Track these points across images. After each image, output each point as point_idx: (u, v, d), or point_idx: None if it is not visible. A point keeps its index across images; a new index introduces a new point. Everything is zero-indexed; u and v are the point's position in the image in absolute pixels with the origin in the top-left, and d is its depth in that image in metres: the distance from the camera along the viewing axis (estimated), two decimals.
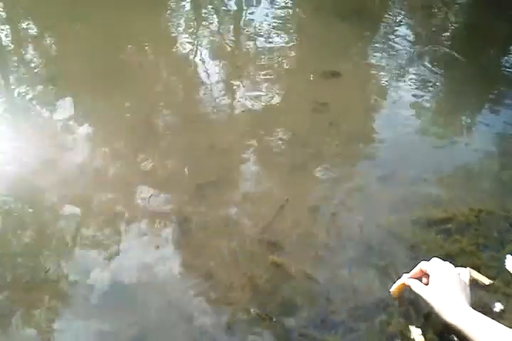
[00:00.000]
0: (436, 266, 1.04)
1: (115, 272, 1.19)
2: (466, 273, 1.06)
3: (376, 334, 1.06)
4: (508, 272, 1.23)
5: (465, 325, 0.91)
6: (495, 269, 1.22)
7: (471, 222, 1.34)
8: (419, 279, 1.06)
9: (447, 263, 1.05)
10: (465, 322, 0.91)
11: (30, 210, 1.36)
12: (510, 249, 1.27)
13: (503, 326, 0.90)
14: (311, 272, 1.19)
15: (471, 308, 0.95)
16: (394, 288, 1.10)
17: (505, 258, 1.25)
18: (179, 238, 1.28)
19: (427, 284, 1.03)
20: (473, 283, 1.17)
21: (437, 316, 0.97)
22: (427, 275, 1.04)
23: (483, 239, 1.29)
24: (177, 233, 1.29)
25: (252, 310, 1.09)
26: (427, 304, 1.00)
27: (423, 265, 1.06)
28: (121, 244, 1.26)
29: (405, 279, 1.08)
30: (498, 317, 1.10)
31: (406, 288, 1.07)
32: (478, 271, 1.20)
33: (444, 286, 0.99)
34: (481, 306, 1.11)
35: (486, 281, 1.18)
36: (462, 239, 1.29)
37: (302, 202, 1.41)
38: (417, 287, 1.03)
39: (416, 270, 1.07)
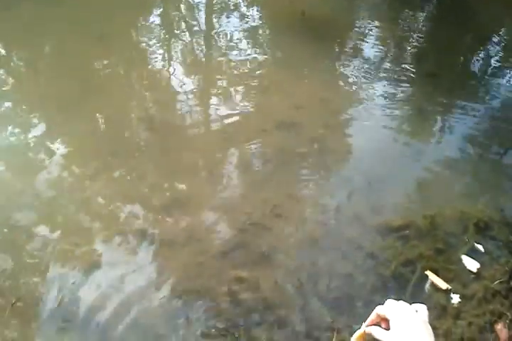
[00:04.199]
0: (393, 309, 1.02)
1: (81, 289, 1.20)
2: (424, 310, 1.05)
3: None
4: (469, 271, 1.26)
5: None
6: (452, 272, 1.26)
7: (428, 227, 1.37)
8: (378, 325, 1.05)
9: (402, 302, 1.04)
10: None
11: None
12: (464, 250, 1.31)
13: None
14: (274, 287, 1.21)
15: None
16: (355, 338, 1.08)
17: (461, 259, 1.29)
18: (145, 253, 1.29)
19: (387, 329, 1.01)
20: (433, 287, 1.21)
21: None
22: (385, 320, 1.03)
23: (440, 243, 1.33)
24: (144, 248, 1.31)
25: (213, 330, 1.11)
26: None
27: (379, 310, 1.04)
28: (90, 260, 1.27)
29: (364, 327, 1.07)
30: (455, 317, 1.14)
31: (367, 337, 1.07)
32: (437, 275, 1.24)
33: (407, 329, 0.97)
34: (440, 307, 1.16)
35: (444, 286, 1.21)
36: (420, 244, 1.32)
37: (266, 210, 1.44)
38: (379, 334, 1.00)
39: (373, 316, 1.05)
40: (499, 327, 1.13)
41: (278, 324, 1.12)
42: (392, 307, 1.01)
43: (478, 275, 1.25)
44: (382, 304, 1.04)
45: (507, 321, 1.14)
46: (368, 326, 1.02)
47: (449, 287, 1.21)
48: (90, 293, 1.19)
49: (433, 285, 1.22)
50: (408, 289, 1.21)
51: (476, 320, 1.14)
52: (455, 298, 1.18)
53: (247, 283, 1.22)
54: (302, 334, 1.11)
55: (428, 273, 1.24)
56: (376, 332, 1.00)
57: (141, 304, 1.17)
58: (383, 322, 1.01)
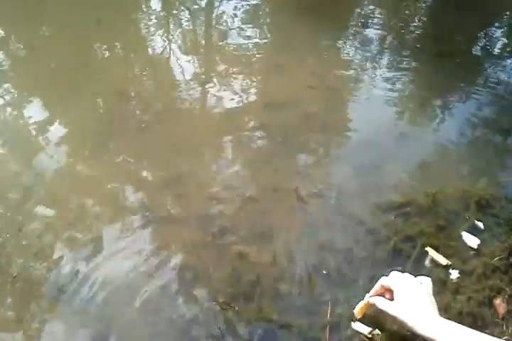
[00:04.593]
0: (397, 280, 1.02)
1: (83, 266, 1.21)
2: (429, 282, 1.04)
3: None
4: (469, 247, 1.27)
5: (441, 335, 0.89)
6: (453, 248, 1.27)
7: (429, 204, 1.38)
8: (382, 296, 1.03)
9: (407, 274, 1.03)
10: (441, 333, 0.89)
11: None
12: (465, 227, 1.32)
13: (477, 332, 0.88)
14: (273, 261, 1.22)
15: (442, 318, 0.93)
16: (358, 309, 1.07)
17: (462, 236, 1.29)
18: (146, 231, 1.30)
19: (391, 300, 1.00)
20: (433, 263, 1.22)
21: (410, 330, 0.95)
22: (390, 291, 1.02)
23: (440, 220, 1.33)
24: (144, 227, 1.31)
25: (214, 303, 1.12)
26: (395, 320, 0.98)
27: (383, 281, 1.04)
28: (90, 239, 1.28)
29: (368, 298, 1.05)
30: (454, 292, 1.15)
31: (370, 307, 1.05)
32: (437, 251, 1.24)
33: (411, 299, 0.97)
34: (440, 283, 1.17)
35: (444, 261, 1.22)
36: (421, 221, 1.33)
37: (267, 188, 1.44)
38: (383, 304, 1.00)
39: (377, 287, 1.05)
40: (498, 302, 1.14)
41: (278, 298, 1.13)
42: (396, 279, 1.03)
43: (478, 251, 1.25)
44: (386, 276, 1.05)
45: (506, 296, 1.15)
46: (371, 297, 1.04)
47: (449, 262, 1.21)
48: (89, 270, 1.19)
49: (433, 261, 1.23)
50: (408, 264, 1.21)
51: (475, 295, 1.14)
52: (454, 274, 1.19)
53: (248, 258, 1.22)
54: (301, 307, 1.11)
55: (428, 249, 1.25)
56: (380, 302, 1.02)
57: (141, 280, 1.17)
58: (387, 293, 1.04)
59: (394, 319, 0.98)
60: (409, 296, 0.98)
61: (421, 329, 0.92)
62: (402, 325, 0.97)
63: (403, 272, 1.04)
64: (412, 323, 0.93)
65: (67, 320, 1.09)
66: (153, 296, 1.14)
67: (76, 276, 1.18)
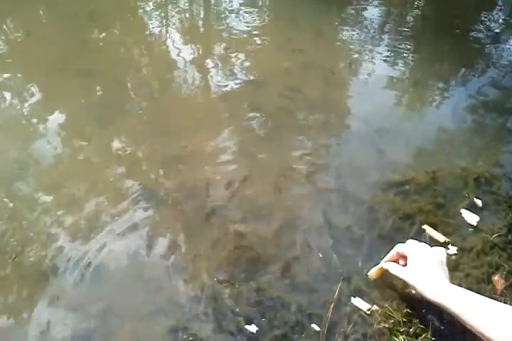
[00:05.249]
0: (412, 247, 1.04)
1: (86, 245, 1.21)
2: (442, 252, 1.06)
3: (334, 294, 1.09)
4: (468, 225, 1.27)
5: (450, 301, 0.90)
6: (452, 225, 1.27)
7: (428, 183, 1.38)
8: (396, 262, 1.06)
9: (423, 243, 1.05)
10: (450, 299, 0.91)
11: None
12: (465, 204, 1.32)
13: (486, 298, 0.89)
14: (274, 240, 1.22)
15: (452, 285, 0.94)
16: (372, 272, 1.10)
17: (461, 213, 1.29)
18: (143, 212, 1.30)
19: (404, 266, 1.03)
20: (431, 241, 1.22)
21: (420, 295, 0.97)
22: (404, 258, 1.04)
23: (440, 198, 1.33)
24: (141, 207, 1.31)
25: (214, 279, 1.12)
26: (407, 285, 1.01)
27: (399, 247, 1.06)
28: (87, 221, 1.28)
29: (382, 263, 1.08)
30: (453, 269, 1.15)
31: (384, 272, 1.08)
32: (436, 229, 1.25)
33: (423, 266, 0.99)
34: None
35: (441, 239, 1.22)
36: (420, 199, 1.33)
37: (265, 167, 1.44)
38: (395, 269, 1.03)
39: (392, 253, 1.07)
40: (496, 278, 1.15)
41: (278, 275, 1.14)
42: (412, 246, 1.04)
43: (477, 228, 1.26)
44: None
45: (504, 272, 1.15)
46: (386, 262, 1.06)
47: (447, 240, 1.22)
48: (88, 251, 1.19)
49: (431, 238, 1.23)
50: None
51: (473, 271, 1.15)
52: (452, 250, 1.19)
53: (247, 236, 1.22)
54: (302, 285, 1.12)
55: (425, 227, 1.25)
56: (393, 267, 1.04)
57: (140, 259, 1.18)
58: (402, 260, 1.05)
59: (405, 284, 1.01)
60: (421, 263, 1.00)
61: (430, 295, 0.94)
62: (412, 289, 1.00)
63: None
64: (421, 288, 0.96)
65: (67, 299, 1.10)
66: (153, 275, 1.14)
67: (75, 257, 1.18)
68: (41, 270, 1.16)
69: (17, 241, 1.23)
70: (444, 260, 1.03)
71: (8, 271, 1.16)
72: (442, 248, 1.07)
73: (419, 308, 1.03)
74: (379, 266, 1.09)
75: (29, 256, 1.19)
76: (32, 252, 1.20)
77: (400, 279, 1.01)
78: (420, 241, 1.06)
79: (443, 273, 0.98)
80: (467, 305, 0.89)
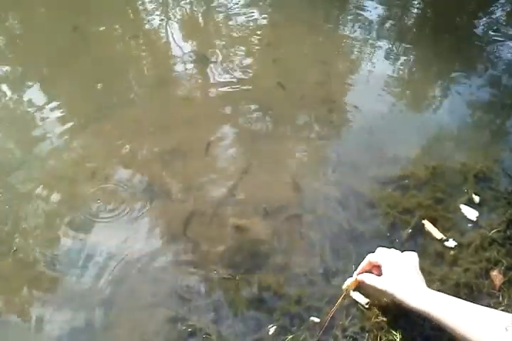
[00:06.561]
0: (385, 255, 1.01)
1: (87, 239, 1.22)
2: (415, 257, 1.03)
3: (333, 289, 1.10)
4: (467, 220, 1.28)
5: (432, 307, 0.87)
6: (451, 220, 1.27)
7: (428, 177, 1.38)
8: (370, 272, 1.03)
9: (393, 250, 1.03)
10: (432, 305, 0.88)
11: None
12: (464, 200, 1.32)
13: (468, 302, 0.86)
14: (274, 233, 1.23)
15: (432, 290, 0.92)
16: (346, 286, 1.07)
17: (460, 208, 1.30)
18: (143, 205, 1.30)
19: (379, 275, 1.00)
20: (429, 236, 1.23)
21: (399, 304, 0.94)
22: (377, 267, 1.02)
23: (439, 193, 1.34)
24: (141, 201, 1.32)
25: (215, 272, 1.13)
26: (384, 295, 0.98)
27: (371, 257, 1.03)
28: (88, 214, 1.28)
29: (356, 275, 1.05)
30: (452, 264, 1.16)
31: (359, 284, 1.05)
32: (435, 224, 1.25)
33: (400, 273, 0.96)
34: (436, 255, 1.18)
35: (438, 236, 1.22)
36: (419, 194, 1.33)
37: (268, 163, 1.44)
38: (371, 279, 1.00)
39: (364, 263, 1.04)
40: (494, 273, 1.15)
41: (277, 268, 1.14)
42: (383, 254, 1.02)
43: (476, 224, 1.26)
44: (373, 252, 1.05)
45: (502, 268, 1.16)
46: (359, 274, 1.04)
47: (444, 237, 1.22)
48: (89, 244, 1.20)
49: (429, 234, 1.24)
50: (405, 237, 1.22)
51: (472, 266, 1.15)
52: (451, 242, 1.20)
53: (246, 231, 1.23)
54: (300, 278, 1.13)
55: (425, 222, 1.25)
56: (368, 278, 1.02)
57: (141, 252, 1.19)
58: (375, 269, 1.03)
59: (383, 294, 0.97)
60: (397, 270, 0.97)
61: (411, 301, 0.91)
62: (391, 299, 0.97)
63: (391, 247, 1.04)
64: (401, 296, 0.92)
65: (67, 291, 1.11)
66: (154, 267, 1.15)
67: (74, 249, 1.19)
68: (41, 262, 1.16)
69: (17, 234, 1.23)
70: (417, 264, 1.00)
71: (8, 263, 1.16)
72: (414, 252, 1.03)
73: None
74: (352, 278, 1.05)
75: (29, 248, 1.20)
76: (32, 244, 1.21)
77: (378, 289, 0.97)
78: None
79: (419, 279, 0.96)
80: (450, 310, 0.86)
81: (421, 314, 0.89)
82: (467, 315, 0.84)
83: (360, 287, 1.06)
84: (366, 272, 1.04)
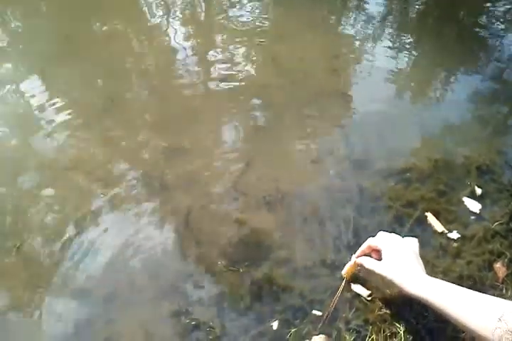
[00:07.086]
0: (385, 240, 1.00)
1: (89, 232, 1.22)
2: (415, 243, 1.02)
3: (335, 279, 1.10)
4: (470, 212, 1.28)
5: (431, 293, 0.87)
6: (454, 213, 1.27)
7: (430, 170, 1.38)
8: (369, 256, 1.02)
9: (394, 234, 1.02)
10: (430, 291, 0.87)
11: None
12: (466, 192, 1.32)
13: (465, 289, 0.85)
14: (276, 227, 1.23)
15: (431, 277, 0.91)
16: (345, 270, 1.07)
17: (463, 201, 1.29)
18: (146, 198, 1.31)
19: (378, 260, 0.99)
20: (431, 229, 1.23)
21: (397, 289, 0.94)
22: (377, 252, 1.01)
23: (442, 185, 1.33)
24: (144, 194, 1.32)
25: (219, 263, 1.13)
26: (383, 279, 0.96)
27: (371, 241, 1.02)
28: (90, 209, 1.29)
29: (355, 258, 1.04)
30: (455, 256, 1.15)
31: (358, 268, 1.05)
32: (438, 217, 1.25)
33: (399, 258, 0.95)
34: (439, 247, 1.18)
35: (440, 229, 1.22)
36: (422, 186, 1.33)
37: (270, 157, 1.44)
38: (370, 263, 0.99)
39: (364, 247, 1.03)
40: (498, 265, 1.15)
41: (280, 261, 1.14)
42: (383, 239, 1.01)
43: (479, 216, 1.26)
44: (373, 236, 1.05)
45: (505, 260, 1.16)
46: (358, 257, 1.03)
47: (445, 230, 1.22)
48: (91, 238, 1.20)
49: (431, 226, 1.24)
50: (408, 229, 1.22)
51: (475, 258, 1.15)
52: (454, 234, 1.20)
53: (250, 225, 1.23)
54: (303, 271, 1.13)
55: (428, 214, 1.25)
56: (367, 262, 1.01)
57: (143, 245, 1.19)
58: (374, 253, 1.02)
59: (382, 279, 0.96)
60: (397, 255, 0.96)
61: (410, 288, 0.90)
62: (389, 284, 0.96)
63: (391, 232, 1.04)
64: (399, 282, 0.92)
65: (71, 285, 1.11)
66: (156, 261, 1.15)
67: (77, 244, 1.19)
68: (44, 257, 1.16)
69: (21, 229, 1.23)
70: (418, 251, 0.99)
71: (13, 258, 1.17)
72: (415, 238, 1.03)
73: None
74: (351, 262, 1.05)
75: (33, 243, 1.20)
76: (36, 240, 1.21)
77: (376, 274, 0.97)
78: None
79: (419, 265, 0.95)
80: (448, 297, 0.85)
81: (420, 300, 0.89)
82: (464, 303, 0.83)
83: (359, 271, 1.06)
84: (365, 255, 1.03)
